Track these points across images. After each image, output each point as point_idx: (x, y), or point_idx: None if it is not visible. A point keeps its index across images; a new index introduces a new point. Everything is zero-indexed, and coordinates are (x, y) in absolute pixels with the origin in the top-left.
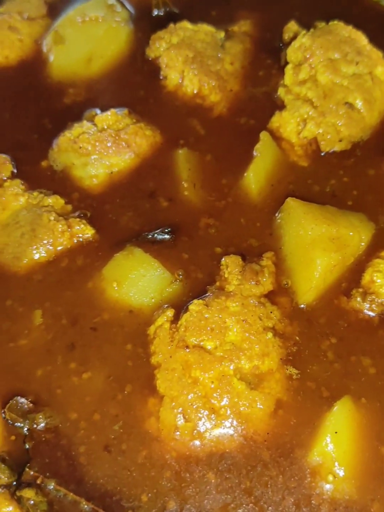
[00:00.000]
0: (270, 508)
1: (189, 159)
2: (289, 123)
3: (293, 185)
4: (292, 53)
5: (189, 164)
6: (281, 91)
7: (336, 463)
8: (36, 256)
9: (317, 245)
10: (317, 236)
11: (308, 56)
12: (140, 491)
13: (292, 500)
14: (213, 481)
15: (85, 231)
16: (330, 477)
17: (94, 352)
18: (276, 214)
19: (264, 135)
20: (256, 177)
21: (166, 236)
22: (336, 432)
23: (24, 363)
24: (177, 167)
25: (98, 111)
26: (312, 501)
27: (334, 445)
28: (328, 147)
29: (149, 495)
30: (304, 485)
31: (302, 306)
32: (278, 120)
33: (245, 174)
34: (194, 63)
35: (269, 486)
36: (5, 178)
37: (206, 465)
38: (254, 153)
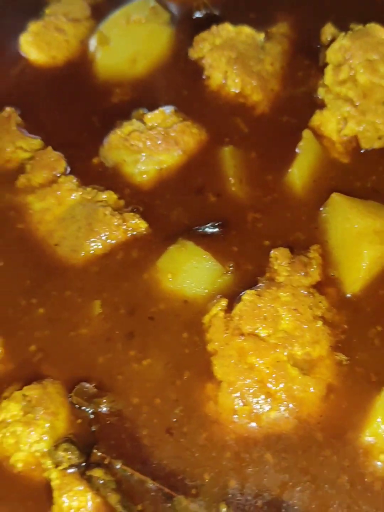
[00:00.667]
0: (326, 486)
1: (234, 156)
2: (330, 122)
3: (335, 181)
4: (332, 54)
5: (234, 160)
6: (321, 91)
7: None
8: (93, 249)
9: (363, 238)
10: (363, 229)
11: (347, 57)
12: (202, 470)
13: (347, 478)
14: (271, 461)
15: (139, 225)
16: (382, 457)
17: (153, 340)
18: (321, 209)
19: (306, 133)
20: (300, 173)
21: (216, 230)
22: None
23: (85, 351)
24: (223, 164)
25: (145, 110)
26: (366, 479)
27: None
28: (368, 144)
29: (212, 474)
30: (358, 464)
31: (349, 295)
32: (319, 119)
33: (290, 171)
34: (236, 63)
35: (324, 465)
36: (59, 175)
37: (264, 446)
38: (297, 151)
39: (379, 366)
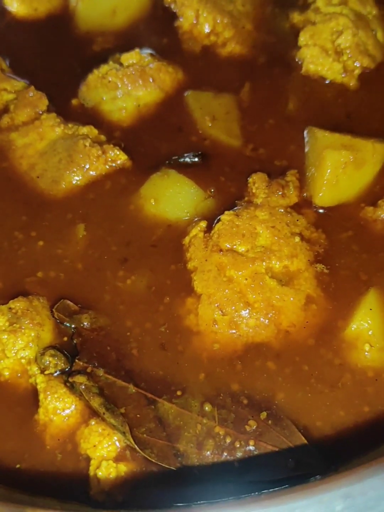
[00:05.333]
0: (320, 386)
1: (198, 98)
2: None
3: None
4: None
5: (200, 103)
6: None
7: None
8: (74, 180)
9: (328, 148)
10: (330, 143)
11: None
12: (186, 376)
13: (346, 376)
14: (260, 366)
15: (119, 157)
16: (367, 346)
17: (139, 263)
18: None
19: None
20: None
21: (196, 159)
22: (370, 309)
23: (72, 274)
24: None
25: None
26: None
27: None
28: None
29: (195, 379)
30: (348, 361)
31: (321, 211)
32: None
33: None
34: (207, 3)
35: (313, 365)
36: (41, 112)
37: (246, 352)
38: None
39: (365, 266)
